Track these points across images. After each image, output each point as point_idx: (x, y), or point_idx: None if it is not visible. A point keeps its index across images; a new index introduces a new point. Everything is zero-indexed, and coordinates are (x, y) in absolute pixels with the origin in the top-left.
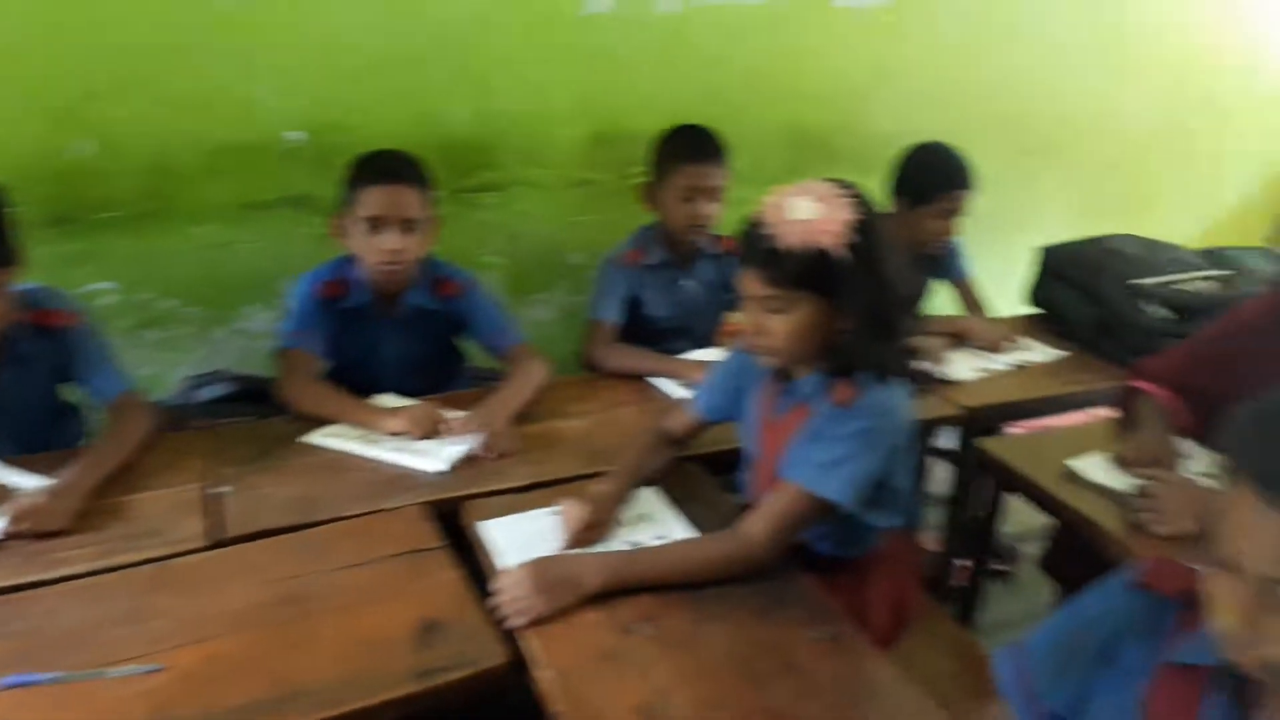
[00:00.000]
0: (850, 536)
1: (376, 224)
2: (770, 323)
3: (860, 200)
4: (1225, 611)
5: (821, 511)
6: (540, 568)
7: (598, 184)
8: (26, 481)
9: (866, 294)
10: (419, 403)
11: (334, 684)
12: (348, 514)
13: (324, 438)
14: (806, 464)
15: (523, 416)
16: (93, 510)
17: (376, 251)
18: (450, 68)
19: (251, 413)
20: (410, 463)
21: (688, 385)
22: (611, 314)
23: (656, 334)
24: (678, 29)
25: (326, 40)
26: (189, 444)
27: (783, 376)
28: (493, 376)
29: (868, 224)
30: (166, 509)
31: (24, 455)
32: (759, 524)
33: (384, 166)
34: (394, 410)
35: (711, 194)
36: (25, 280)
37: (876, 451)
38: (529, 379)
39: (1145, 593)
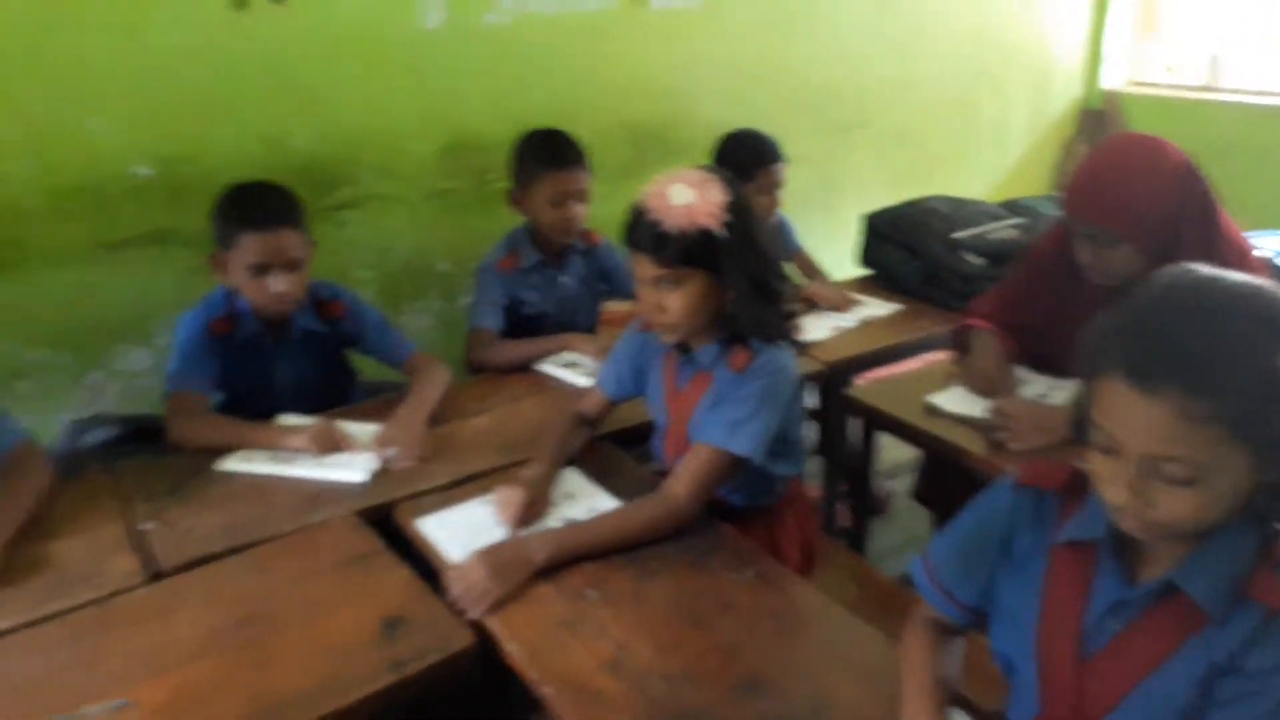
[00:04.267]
0: (758, 487)
1: (262, 269)
2: (666, 300)
3: (729, 183)
4: (1113, 487)
5: (733, 467)
6: (488, 554)
7: (456, 193)
8: None
9: (748, 265)
10: (317, 420)
11: (310, 691)
12: (281, 532)
13: (237, 463)
14: (715, 425)
15: (433, 420)
16: (11, 566)
17: (264, 294)
18: (290, 91)
19: (144, 452)
20: (330, 475)
21: (574, 365)
22: (491, 320)
23: (540, 332)
24: (509, 39)
25: (156, 70)
26: (95, 487)
27: (682, 350)
28: (384, 388)
29: (739, 203)
30: (92, 551)
31: None
32: (680, 485)
33: (262, 211)
34: (295, 429)
35: (579, 196)
36: None
37: (775, 407)
38: (435, 384)
39: (1028, 489)
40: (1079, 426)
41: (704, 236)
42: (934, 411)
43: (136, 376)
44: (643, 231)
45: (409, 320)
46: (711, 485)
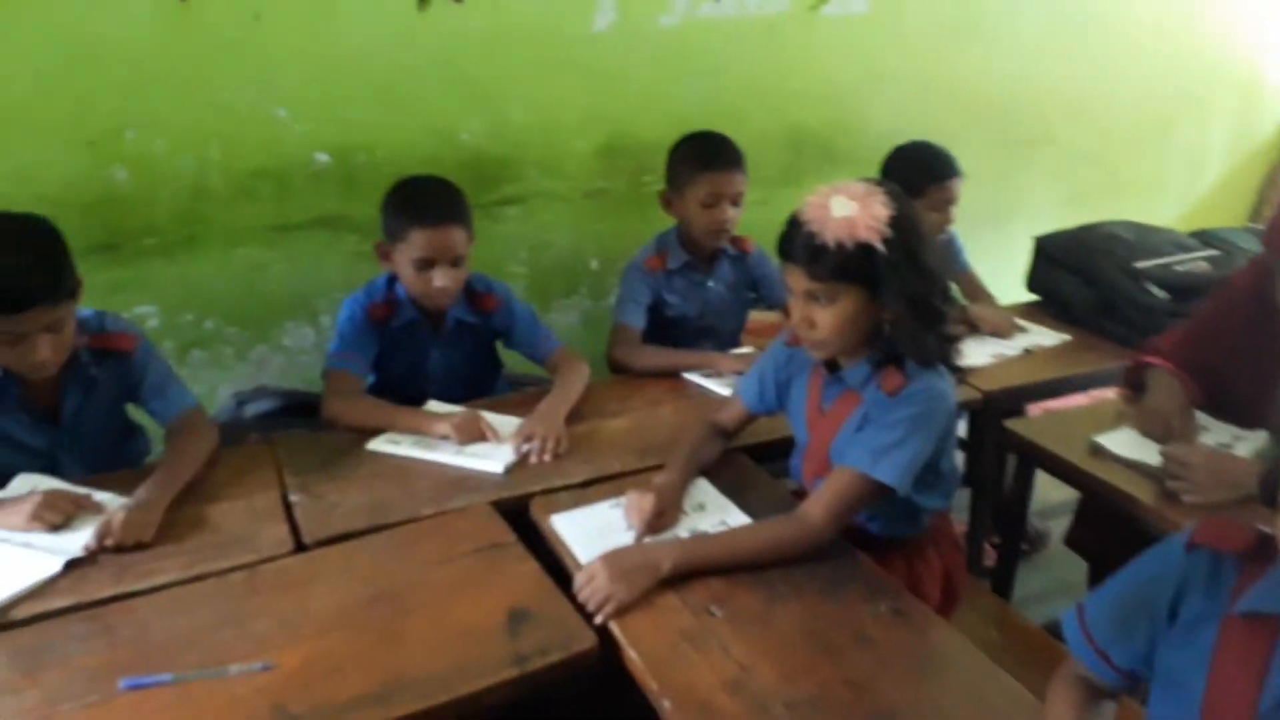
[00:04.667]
0: (900, 517)
1: (427, 263)
2: (816, 315)
3: (896, 197)
4: None
5: (876, 494)
6: (616, 558)
7: (611, 192)
8: (103, 500)
9: (908, 284)
10: (463, 409)
11: (437, 674)
12: (420, 515)
13: (383, 445)
14: (861, 450)
15: (569, 417)
16: (171, 523)
17: (427, 287)
18: (464, 86)
19: (300, 426)
20: (470, 464)
21: (717, 375)
22: (635, 319)
23: (682, 335)
24: (679, 42)
25: (339, 62)
26: (253, 457)
27: (830, 367)
28: (527, 381)
29: (905, 218)
30: (246, 518)
31: (94, 475)
32: (818, 507)
33: (433, 207)
34: (441, 416)
35: (733, 199)
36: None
37: (926, 436)
38: (576, 381)
39: (1203, 549)
40: (1267, 485)
41: (863, 251)
42: (1100, 453)
43: (300, 353)
44: (798, 242)
45: (556, 317)
46: (850, 511)
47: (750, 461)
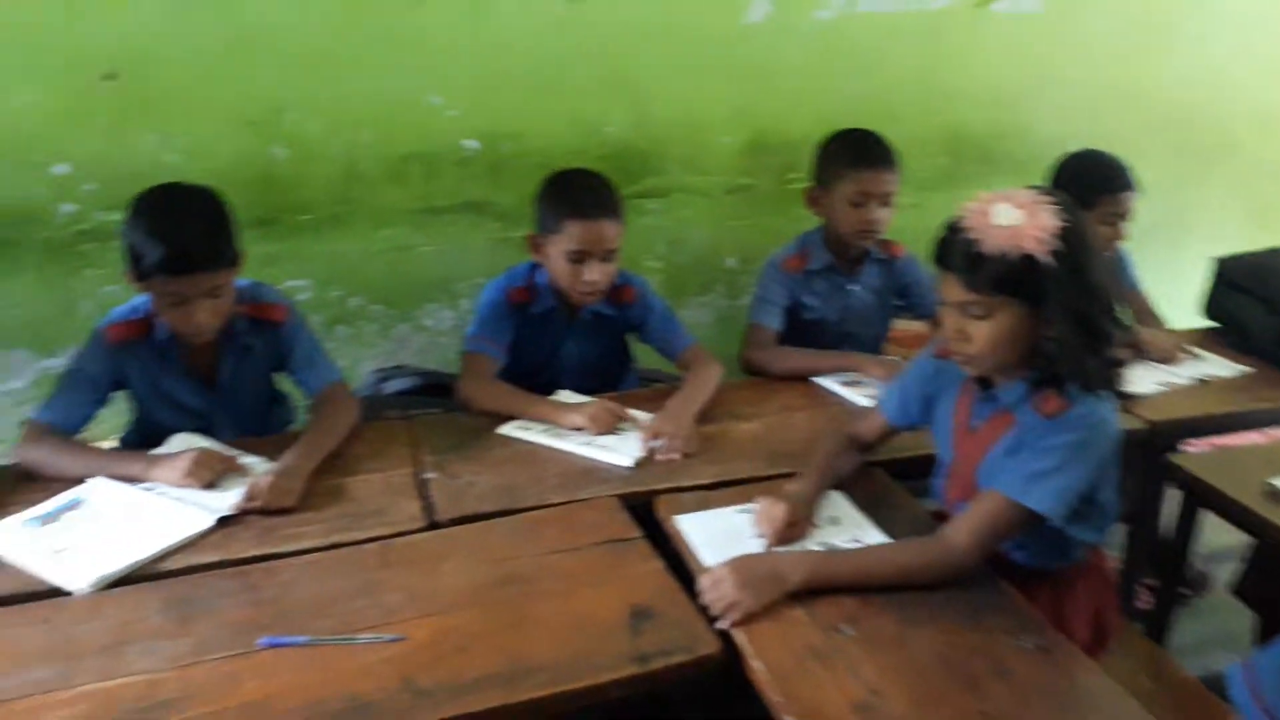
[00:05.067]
0: (1049, 548)
1: (580, 256)
2: (971, 328)
3: (1065, 207)
4: None
5: (1026, 522)
6: (744, 565)
7: (754, 189)
8: (250, 463)
9: (1074, 301)
10: (596, 400)
11: (561, 662)
12: (549, 502)
13: (515, 430)
14: (1013, 474)
15: (701, 417)
16: (312, 492)
17: (577, 280)
18: (611, 78)
19: (436, 405)
20: (599, 456)
21: (855, 384)
22: (771, 319)
23: (820, 340)
24: (834, 36)
25: (495, 51)
26: (390, 433)
27: (982, 384)
28: (658, 377)
29: (1074, 231)
30: (382, 491)
31: (243, 438)
32: (963, 531)
33: (591, 201)
34: (573, 406)
35: (884, 199)
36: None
37: (1086, 465)
38: (708, 380)
39: None
40: None
41: (1026, 263)
42: (1277, 497)
43: (439, 334)
44: (955, 250)
45: (690, 314)
46: (997, 539)
47: (888, 478)
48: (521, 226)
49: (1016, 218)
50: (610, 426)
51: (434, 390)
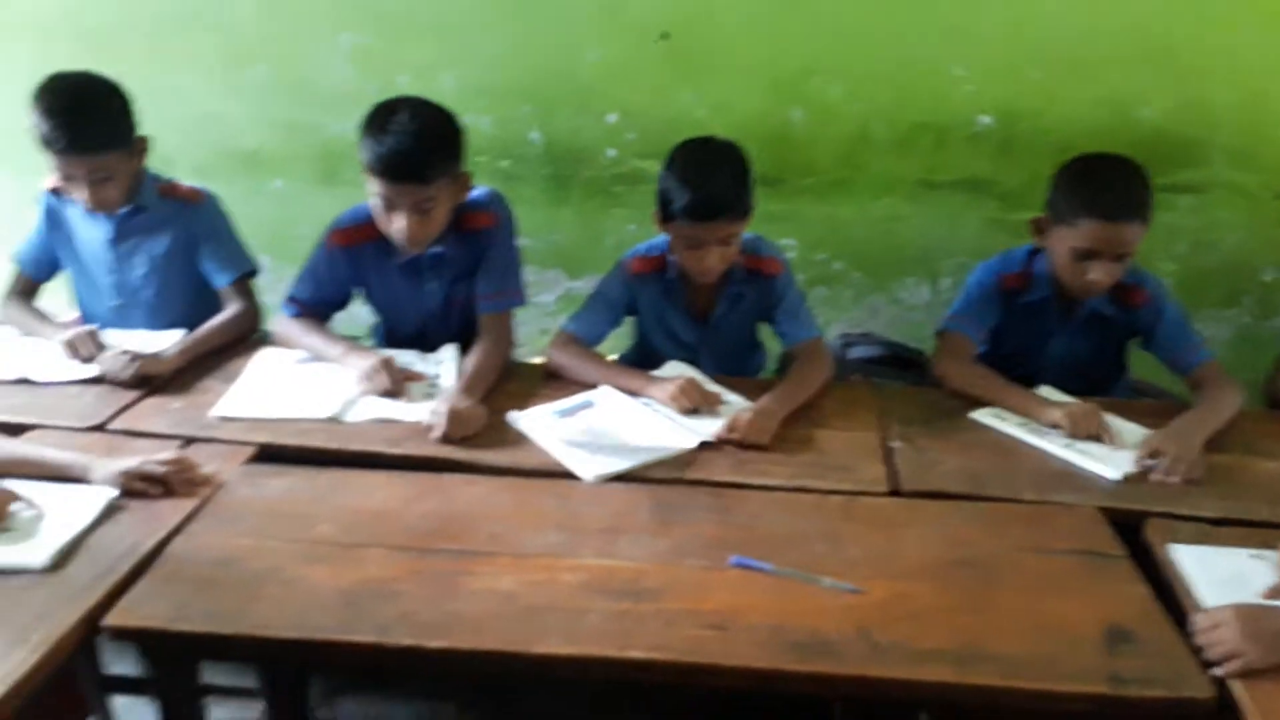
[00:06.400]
0: None
1: (1089, 255)
2: None
3: None
4: None
5: None
6: (1253, 615)
7: None
8: (732, 400)
9: None
10: (1079, 402)
11: (1021, 658)
12: (1020, 498)
13: (989, 417)
14: None
15: (1211, 444)
16: (783, 436)
17: (1079, 277)
18: (1154, 54)
19: (898, 378)
20: (1081, 462)
21: None
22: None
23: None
24: None
25: (1023, 24)
26: (857, 396)
27: None
28: (1152, 390)
29: None
30: (848, 449)
31: (721, 375)
32: None
33: (1115, 199)
34: (1051, 402)
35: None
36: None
37: None
38: (1225, 404)
39: None
40: None
41: None
42: None
43: (912, 308)
44: None
45: (1203, 328)
46: None
47: None
48: (1023, 210)
49: None
50: (1090, 433)
51: (895, 362)
